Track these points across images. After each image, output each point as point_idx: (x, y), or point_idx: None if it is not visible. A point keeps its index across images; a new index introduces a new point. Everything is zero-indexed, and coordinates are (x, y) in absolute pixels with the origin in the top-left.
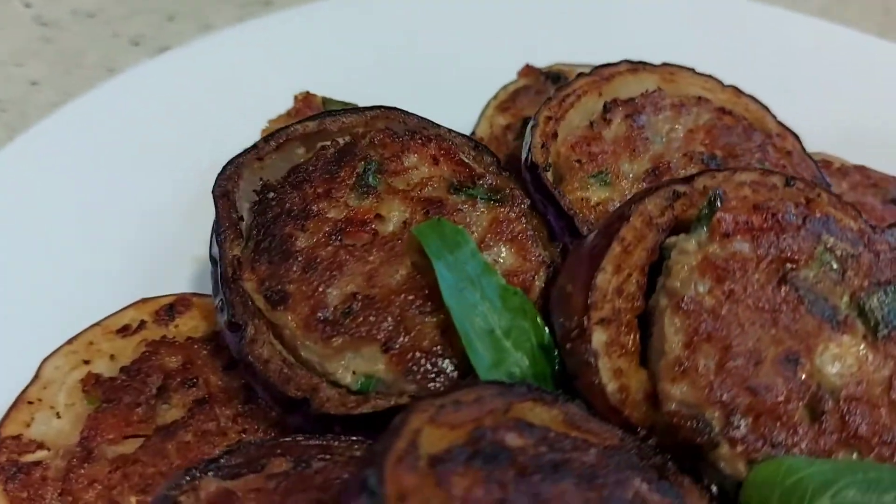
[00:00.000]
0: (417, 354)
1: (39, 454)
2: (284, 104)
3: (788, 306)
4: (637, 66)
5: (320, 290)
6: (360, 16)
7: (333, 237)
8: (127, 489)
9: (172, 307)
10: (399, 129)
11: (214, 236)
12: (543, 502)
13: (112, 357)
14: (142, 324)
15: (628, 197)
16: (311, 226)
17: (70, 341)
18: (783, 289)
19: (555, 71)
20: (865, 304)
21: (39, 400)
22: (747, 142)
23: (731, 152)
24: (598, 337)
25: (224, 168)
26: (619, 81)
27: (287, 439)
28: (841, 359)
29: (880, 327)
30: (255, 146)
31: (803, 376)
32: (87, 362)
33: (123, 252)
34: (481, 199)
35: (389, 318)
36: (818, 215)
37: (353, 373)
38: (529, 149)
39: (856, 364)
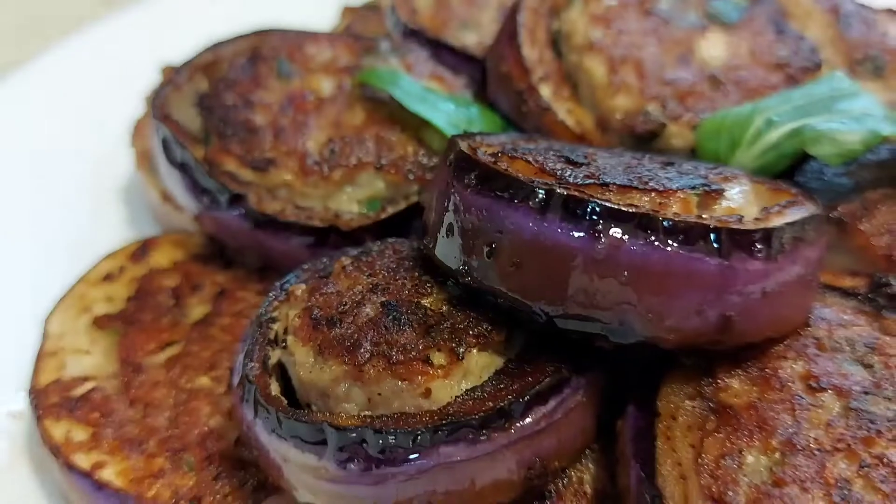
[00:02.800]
0: (409, 159)
1: (88, 385)
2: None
3: (663, 26)
4: None
5: (299, 145)
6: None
7: (285, 110)
8: (193, 374)
9: (143, 248)
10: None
11: (173, 149)
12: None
13: (109, 299)
14: (122, 269)
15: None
16: (259, 109)
17: (62, 300)
18: (652, 18)
19: (371, 4)
20: (712, 12)
21: (61, 349)
22: None
23: None
24: (545, 90)
25: (153, 100)
26: None
27: (335, 252)
28: (714, 47)
29: (726, 20)
30: (170, 81)
31: (697, 65)
32: (87, 309)
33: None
34: (389, 56)
35: (370, 144)
36: None
37: (357, 202)
38: (404, 24)
39: (725, 47)
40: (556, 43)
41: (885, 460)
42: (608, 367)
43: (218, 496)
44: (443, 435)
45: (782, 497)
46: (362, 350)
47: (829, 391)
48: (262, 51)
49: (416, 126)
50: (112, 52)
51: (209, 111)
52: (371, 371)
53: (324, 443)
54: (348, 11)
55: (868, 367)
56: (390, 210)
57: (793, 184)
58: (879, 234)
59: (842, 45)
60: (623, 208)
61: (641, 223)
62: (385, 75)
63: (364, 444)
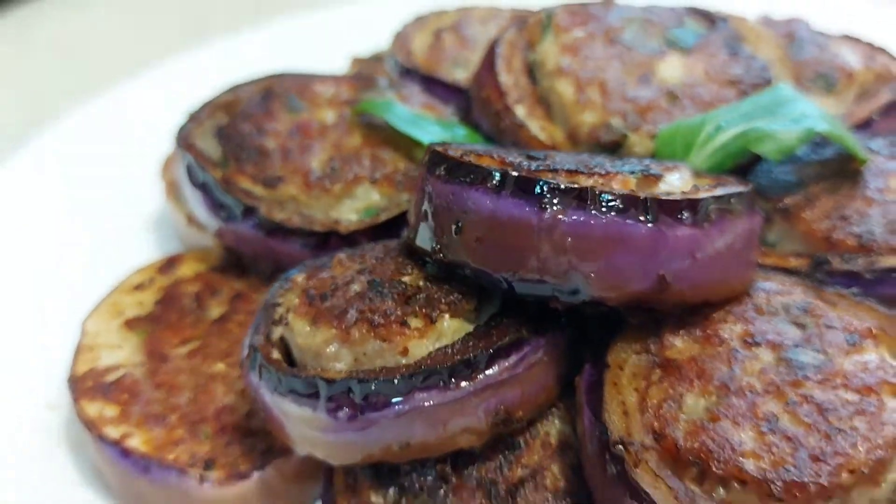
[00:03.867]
0: (400, 173)
1: (119, 371)
2: None
3: (627, 52)
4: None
5: (303, 164)
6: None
7: (293, 136)
8: (211, 361)
9: (170, 262)
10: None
11: (195, 172)
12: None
13: (140, 304)
14: (151, 279)
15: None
16: (271, 136)
17: (98, 306)
18: (617, 46)
19: (376, 56)
20: (671, 38)
21: (97, 344)
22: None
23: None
24: (520, 110)
25: (179, 133)
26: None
27: (334, 252)
28: (673, 69)
29: (684, 46)
30: (194, 117)
31: (656, 84)
32: (120, 313)
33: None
34: (386, 90)
35: (367, 162)
36: (611, 7)
37: (356, 211)
38: (401, 64)
39: (682, 68)
40: (533, 72)
41: (809, 398)
42: (569, 331)
43: (230, 458)
44: (417, 381)
45: (716, 430)
46: (349, 316)
47: (764, 345)
48: (275, 89)
49: (407, 146)
50: (148, 103)
51: (227, 139)
52: (356, 333)
53: (316, 395)
54: (357, 62)
55: (801, 326)
56: (384, 216)
57: (737, 178)
58: (820, 220)
59: (792, 65)
60: (565, 184)
61: (581, 196)
62: (380, 104)
63: (350, 394)
